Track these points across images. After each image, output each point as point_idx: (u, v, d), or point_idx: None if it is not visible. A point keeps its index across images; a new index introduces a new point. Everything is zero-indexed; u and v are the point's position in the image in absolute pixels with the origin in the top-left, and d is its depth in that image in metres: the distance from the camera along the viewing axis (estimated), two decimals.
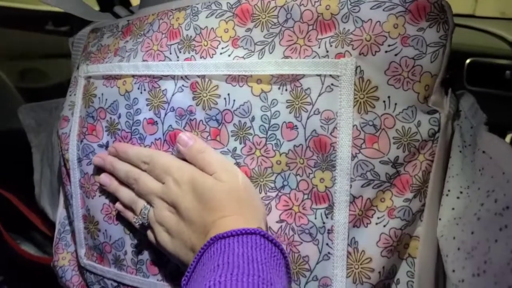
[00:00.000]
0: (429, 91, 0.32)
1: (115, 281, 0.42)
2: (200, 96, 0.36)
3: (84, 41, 0.46)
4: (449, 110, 0.32)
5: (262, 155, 0.34)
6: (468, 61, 1.14)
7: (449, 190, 0.31)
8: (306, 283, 0.33)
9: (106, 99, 0.41)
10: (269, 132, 0.34)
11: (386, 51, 0.31)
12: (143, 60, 0.38)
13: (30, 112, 0.65)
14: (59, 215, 0.49)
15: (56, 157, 0.57)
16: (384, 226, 0.32)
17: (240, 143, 0.35)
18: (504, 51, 1.15)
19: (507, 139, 1.05)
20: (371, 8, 0.31)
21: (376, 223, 0.32)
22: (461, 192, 0.30)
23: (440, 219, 0.31)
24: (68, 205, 0.47)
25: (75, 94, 0.45)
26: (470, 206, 0.28)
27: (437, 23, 0.31)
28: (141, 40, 0.39)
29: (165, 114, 0.37)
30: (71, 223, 0.47)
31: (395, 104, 0.32)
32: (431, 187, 0.32)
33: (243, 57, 0.34)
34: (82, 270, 0.45)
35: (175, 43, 0.37)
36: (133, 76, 0.39)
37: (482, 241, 0.25)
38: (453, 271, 0.28)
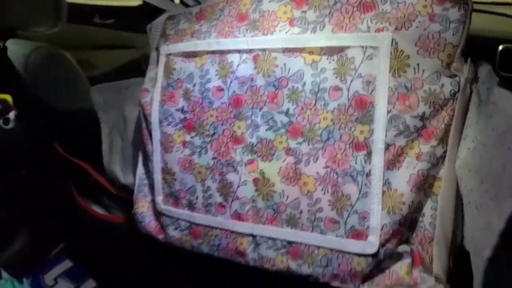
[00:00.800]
0: (451, 59, 0.39)
1: (187, 221, 0.51)
2: (261, 66, 0.44)
3: (160, 27, 0.56)
4: (468, 75, 0.39)
5: (312, 114, 0.42)
6: (500, 47, 1.17)
7: (466, 135, 0.39)
8: (348, 216, 0.41)
9: (184, 72, 0.50)
10: (318, 95, 0.42)
11: (417, 27, 0.39)
12: (216, 39, 0.47)
13: (100, 91, 0.76)
14: (138, 172, 0.59)
15: (130, 127, 0.67)
16: (414, 168, 0.40)
17: (293, 104, 0.43)
18: None
19: None
20: None
21: (407, 166, 0.40)
22: (476, 137, 0.38)
23: (458, 156, 0.39)
24: (147, 162, 0.57)
25: (154, 71, 0.54)
26: (483, 148, 0.35)
27: (459, 4, 0.38)
28: (214, 24, 0.48)
29: (231, 82, 0.46)
30: (149, 177, 0.57)
31: (423, 70, 0.39)
32: (451, 137, 0.39)
33: (298, 33, 0.43)
34: (158, 215, 0.55)
35: (243, 25, 0.46)
36: (207, 52, 0.48)
37: (486, 160, 0.32)
38: (465, 186, 0.35)
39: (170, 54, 0.52)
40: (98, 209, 0.84)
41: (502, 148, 0.32)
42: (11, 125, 0.84)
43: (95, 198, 0.86)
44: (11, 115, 0.84)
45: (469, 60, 0.40)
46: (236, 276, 0.70)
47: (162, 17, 0.57)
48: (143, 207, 0.58)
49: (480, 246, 0.30)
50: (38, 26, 0.92)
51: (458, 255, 0.42)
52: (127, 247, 0.82)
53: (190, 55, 0.50)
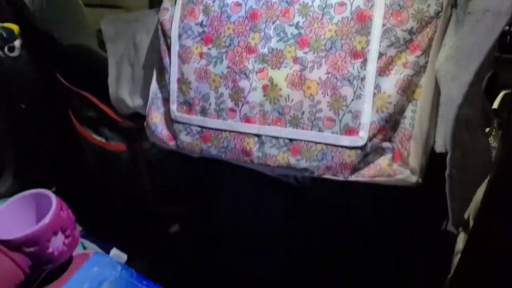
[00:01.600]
0: None
1: (199, 126, 0.58)
2: None
3: None
4: None
5: (319, 26, 0.50)
6: None
7: (445, 44, 0.47)
8: (343, 115, 0.49)
9: None
10: (325, 10, 0.49)
11: None
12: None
13: (110, 23, 0.81)
14: (152, 87, 0.65)
15: (141, 54, 0.72)
16: (400, 74, 0.48)
17: (303, 18, 0.50)
18: None
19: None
20: None
21: (395, 73, 0.48)
22: (452, 45, 0.46)
23: (438, 60, 0.47)
24: (161, 78, 0.62)
25: None
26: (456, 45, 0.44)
27: None
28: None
29: None
30: (163, 91, 0.63)
31: None
32: (433, 48, 0.48)
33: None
34: (170, 123, 0.61)
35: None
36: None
37: (462, 48, 0.41)
38: (443, 70, 0.44)
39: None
40: (99, 137, 0.89)
41: (475, 33, 0.41)
42: (16, 52, 0.87)
43: (96, 129, 0.91)
44: (17, 43, 0.87)
45: None
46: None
47: None
48: (156, 118, 0.64)
49: (454, 98, 0.39)
50: None
51: (430, 157, 0.51)
52: (127, 174, 0.88)
53: None
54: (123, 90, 0.78)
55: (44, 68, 0.91)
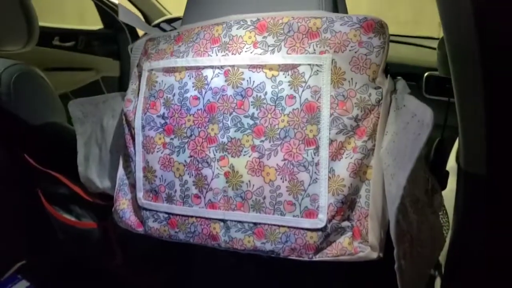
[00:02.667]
0: (376, 75, 0.52)
1: (166, 213, 0.59)
2: (231, 79, 0.55)
3: (141, 48, 0.65)
4: (388, 87, 0.52)
5: (272, 117, 0.53)
6: (426, 74, 1.37)
7: (387, 132, 0.51)
8: (302, 199, 0.52)
9: (165, 84, 0.59)
10: (277, 102, 0.53)
11: (350, 50, 0.51)
12: (193, 57, 0.57)
13: (78, 105, 0.83)
14: (119, 174, 0.66)
15: (108, 137, 0.74)
16: (351, 158, 0.51)
17: (257, 110, 0.54)
18: None
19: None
20: (340, 25, 0.52)
21: (346, 157, 0.51)
22: (394, 132, 0.50)
23: (382, 146, 0.51)
24: (127, 164, 0.64)
25: (136, 84, 0.63)
26: (401, 136, 0.48)
27: (379, 34, 0.51)
28: (191, 45, 0.58)
29: (205, 92, 0.56)
30: (129, 177, 0.64)
31: (356, 82, 0.51)
32: (378, 133, 0.52)
33: (260, 54, 0.54)
34: (138, 210, 0.62)
35: (216, 46, 0.57)
36: (185, 68, 0.58)
37: (397, 144, 0.45)
38: (385, 163, 0.47)
39: (152, 70, 0.61)
40: (69, 216, 0.89)
41: (406, 134, 0.45)
42: None
43: (66, 207, 0.91)
44: None
45: (389, 76, 0.53)
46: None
47: (143, 40, 0.66)
48: (123, 204, 0.65)
49: (393, 200, 0.42)
50: (10, 45, 0.97)
51: (387, 228, 0.53)
52: (99, 251, 0.87)
53: (170, 70, 0.59)
54: (91, 171, 0.79)
55: (12, 149, 0.91)
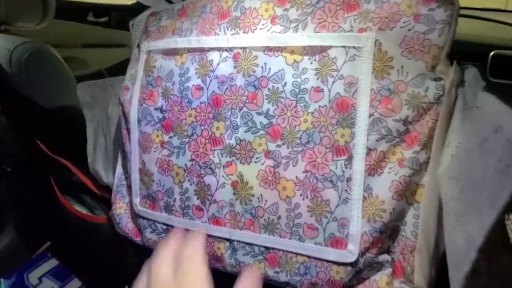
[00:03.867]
0: (436, 61, 0.38)
1: (165, 224, 0.50)
2: (241, 65, 0.43)
3: (143, 23, 0.54)
4: (453, 78, 0.38)
5: (293, 115, 0.41)
6: (491, 54, 1.16)
7: (449, 142, 0.37)
8: (327, 223, 0.40)
9: (164, 69, 0.48)
10: (299, 96, 0.40)
11: (401, 27, 0.37)
12: (196, 36, 0.46)
13: (87, 89, 0.74)
14: (117, 172, 0.57)
15: (112, 126, 0.65)
16: (395, 174, 0.38)
17: (273, 105, 0.42)
18: None
19: None
20: None
21: (389, 172, 0.38)
22: (459, 143, 0.36)
23: (441, 163, 0.37)
24: (125, 162, 0.55)
25: (135, 68, 0.53)
26: (468, 153, 0.34)
27: (445, 4, 0.37)
28: (195, 20, 0.47)
29: (210, 81, 0.45)
30: (127, 177, 0.55)
31: (407, 72, 0.38)
32: (435, 142, 0.38)
33: (279, 32, 0.41)
34: (135, 217, 0.53)
35: (225, 22, 0.44)
36: (188, 50, 0.46)
37: (467, 167, 0.31)
38: (445, 194, 0.34)
39: (150, 51, 0.50)
40: (81, 209, 0.83)
41: (483, 155, 0.31)
42: None
43: (78, 197, 0.84)
44: None
45: (455, 63, 0.39)
46: None
47: (145, 14, 0.56)
48: (120, 209, 0.56)
49: (459, 261, 0.29)
50: (25, 21, 0.91)
51: (440, 264, 0.40)
52: (110, 247, 0.80)
53: (170, 52, 0.48)
54: (98, 162, 0.71)
55: (25, 134, 0.86)
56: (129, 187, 0.54)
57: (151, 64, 0.50)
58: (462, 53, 1.40)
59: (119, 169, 0.57)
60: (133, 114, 0.51)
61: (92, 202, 0.83)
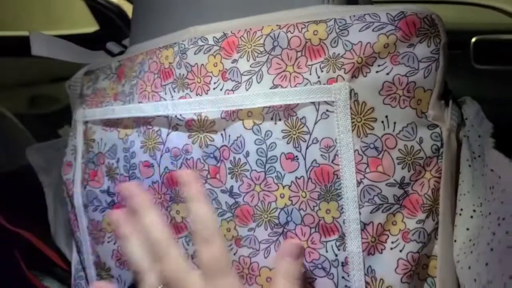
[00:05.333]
0: (426, 106, 0.30)
1: None
2: (197, 134, 0.35)
3: (80, 84, 0.46)
4: (451, 122, 0.31)
5: (263, 190, 0.33)
6: (473, 39, 1.10)
7: (461, 209, 0.30)
8: None
9: (105, 144, 0.40)
10: (268, 165, 0.33)
11: (377, 71, 0.30)
12: (138, 102, 0.38)
13: (38, 152, 0.66)
14: (73, 260, 0.49)
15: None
16: (400, 251, 0.31)
17: (237, 181, 0.34)
18: (510, 25, 1.11)
19: None
20: (360, 30, 0.30)
21: (391, 248, 0.31)
22: (474, 211, 0.29)
23: (455, 240, 0.30)
24: (79, 250, 0.47)
25: (75, 138, 0.44)
26: (483, 233, 0.26)
27: (428, 38, 0.29)
28: (135, 83, 0.39)
29: (161, 156, 0.37)
30: (84, 269, 0.47)
31: (394, 123, 0.30)
32: (442, 204, 0.31)
33: (232, 90, 0.33)
34: None
35: (169, 83, 0.37)
36: (133, 120, 0.38)
37: (497, 275, 0.23)
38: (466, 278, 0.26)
39: (87, 122, 0.42)
40: (52, 284, 0.74)
41: (503, 240, 0.23)
42: None
43: (48, 270, 0.76)
44: None
45: (450, 102, 0.31)
46: None
47: (81, 71, 0.47)
48: None
49: None
50: None
51: None
52: None
53: (111, 122, 0.40)
54: (60, 237, 0.63)
55: None
56: (87, 280, 0.46)
57: (90, 137, 0.42)
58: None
59: (75, 257, 0.49)
60: (77, 198, 0.43)
61: (63, 274, 0.74)
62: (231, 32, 0.34)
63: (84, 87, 0.44)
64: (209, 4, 0.37)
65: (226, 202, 0.34)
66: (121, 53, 0.47)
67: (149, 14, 0.42)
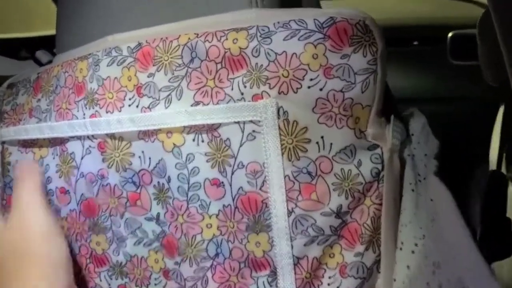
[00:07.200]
0: (365, 124, 0.27)
1: None
2: (112, 157, 0.31)
3: (1, 98, 0.41)
4: (393, 142, 0.27)
5: (186, 221, 0.29)
6: (450, 34, 1.07)
7: (402, 243, 0.26)
8: None
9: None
10: (190, 193, 0.29)
11: (309, 87, 0.26)
12: (56, 121, 0.34)
13: None
14: None
15: None
16: (339, 285, 0.27)
17: (163, 208, 0.30)
18: None
19: (500, 111, 0.99)
20: (284, 39, 0.26)
21: (328, 284, 0.28)
22: (415, 245, 0.25)
23: (394, 279, 0.26)
24: None
25: None
26: (420, 280, 0.23)
27: (363, 47, 0.25)
28: (52, 98, 0.35)
29: (76, 181, 0.33)
30: None
31: (330, 144, 0.27)
32: (384, 234, 0.27)
33: (149, 107, 0.30)
34: None
35: (81, 99, 0.32)
36: (49, 141, 0.34)
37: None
38: None
39: (4, 142, 0.38)
40: None
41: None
42: None
43: None
44: None
45: (392, 118, 0.28)
46: None
47: (4, 85, 0.43)
48: None
49: None
50: None
51: None
52: None
53: (27, 143, 0.36)
54: None
55: None
56: None
57: (6, 159, 0.37)
58: (420, 38, 1.30)
59: None
60: None
61: None
62: (146, 41, 0.30)
63: (4, 103, 0.40)
64: (129, 10, 0.33)
65: (153, 230, 0.31)
66: (50, 62, 0.43)
67: (72, 20, 0.37)
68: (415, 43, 1.16)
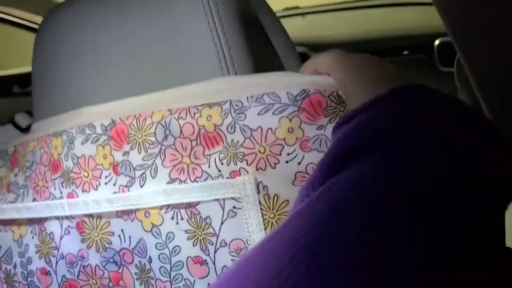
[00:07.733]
0: None
1: None
2: (91, 237, 0.30)
3: None
4: None
5: None
6: (437, 42, 1.07)
7: None
8: None
9: (1, 246, 0.35)
10: (174, 273, 0.28)
11: (286, 161, 0.25)
12: (33, 199, 0.32)
13: None
14: None
15: None
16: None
17: None
18: None
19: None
20: (258, 114, 0.25)
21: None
22: None
23: None
24: None
25: None
26: None
27: (338, 117, 0.24)
28: (28, 174, 0.33)
29: (56, 262, 0.31)
30: None
31: None
32: None
33: (126, 186, 0.28)
34: None
35: (58, 177, 0.31)
36: (28, 220, 0.33)
37: None
38: None
39: None
40: None
41: None
42: None
43: None
44: None
45: None
46: None
47: None
48: None
49: None
50: None
51: None
52: None
53: (6, 221, 0.35)
54: None
55: None
56: None
57: None
58: (410, 47, 1.29)
59: None
60: None
61: None
62: (120, 119, 0.29)
63: None
64: (104, 79, 0.32)
65: None
66: (29, 127, 0.41)
67: (48, 86, 0.36)
68: (405, 52, 1.16)
